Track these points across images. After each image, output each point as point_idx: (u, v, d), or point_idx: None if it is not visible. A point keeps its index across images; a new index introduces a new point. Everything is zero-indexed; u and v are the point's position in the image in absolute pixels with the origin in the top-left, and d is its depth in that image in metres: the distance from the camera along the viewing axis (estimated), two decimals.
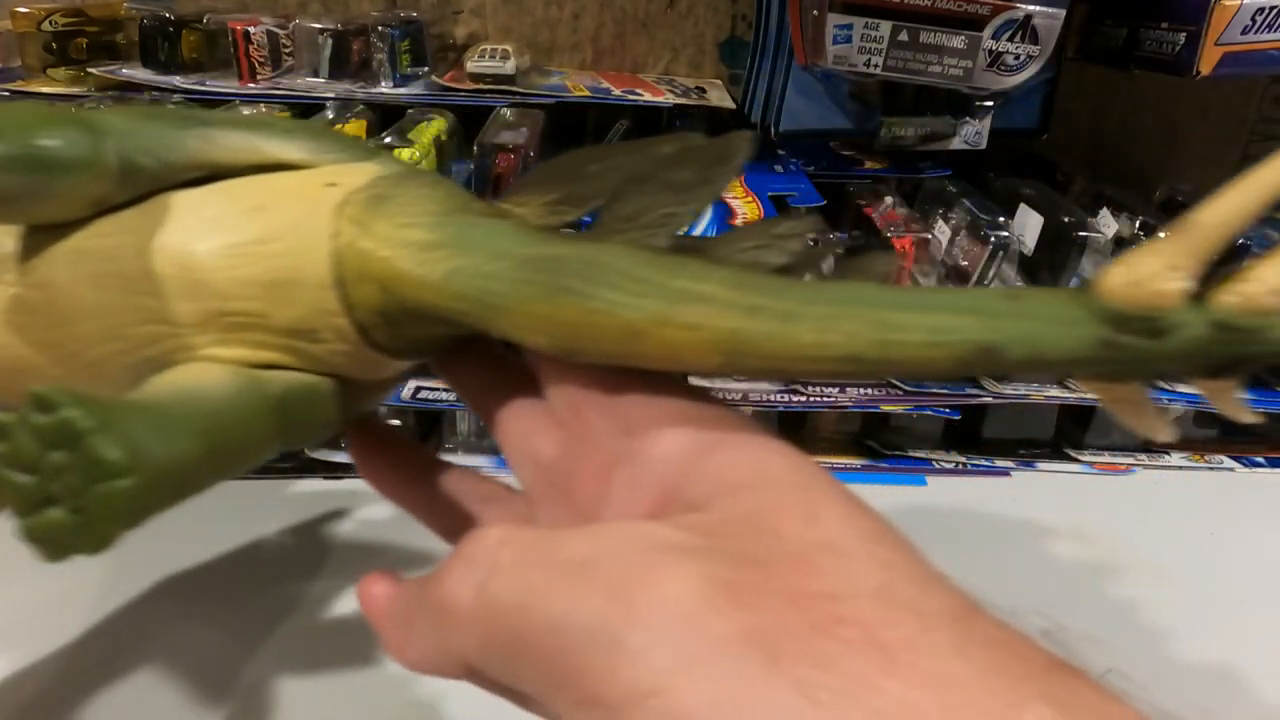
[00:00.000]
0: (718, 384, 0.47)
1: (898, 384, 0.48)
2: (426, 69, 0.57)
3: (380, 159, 0.24)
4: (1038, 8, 0.46)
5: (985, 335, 0.17)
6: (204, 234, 0.22)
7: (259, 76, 0.54)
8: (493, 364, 0.23)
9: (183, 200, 0.23)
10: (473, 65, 0.54)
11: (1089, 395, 0.49)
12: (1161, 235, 0.17)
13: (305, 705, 0.34)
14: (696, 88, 0.60)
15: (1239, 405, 0.19)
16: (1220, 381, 0.18)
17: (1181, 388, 0.50)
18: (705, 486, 0.17)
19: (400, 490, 0.25)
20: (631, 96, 0.55)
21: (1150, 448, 0.53)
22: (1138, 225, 0.48)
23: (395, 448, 0.26)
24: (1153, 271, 0.17)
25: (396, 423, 0.48)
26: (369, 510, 0.45)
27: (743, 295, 0.18)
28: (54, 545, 0.18)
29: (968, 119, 0.52)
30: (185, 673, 0.35)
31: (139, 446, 0.18)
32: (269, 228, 0.22)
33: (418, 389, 0.47)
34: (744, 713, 0.13)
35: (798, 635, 0.14)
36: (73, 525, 0.17)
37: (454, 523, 0.24)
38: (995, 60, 0.47)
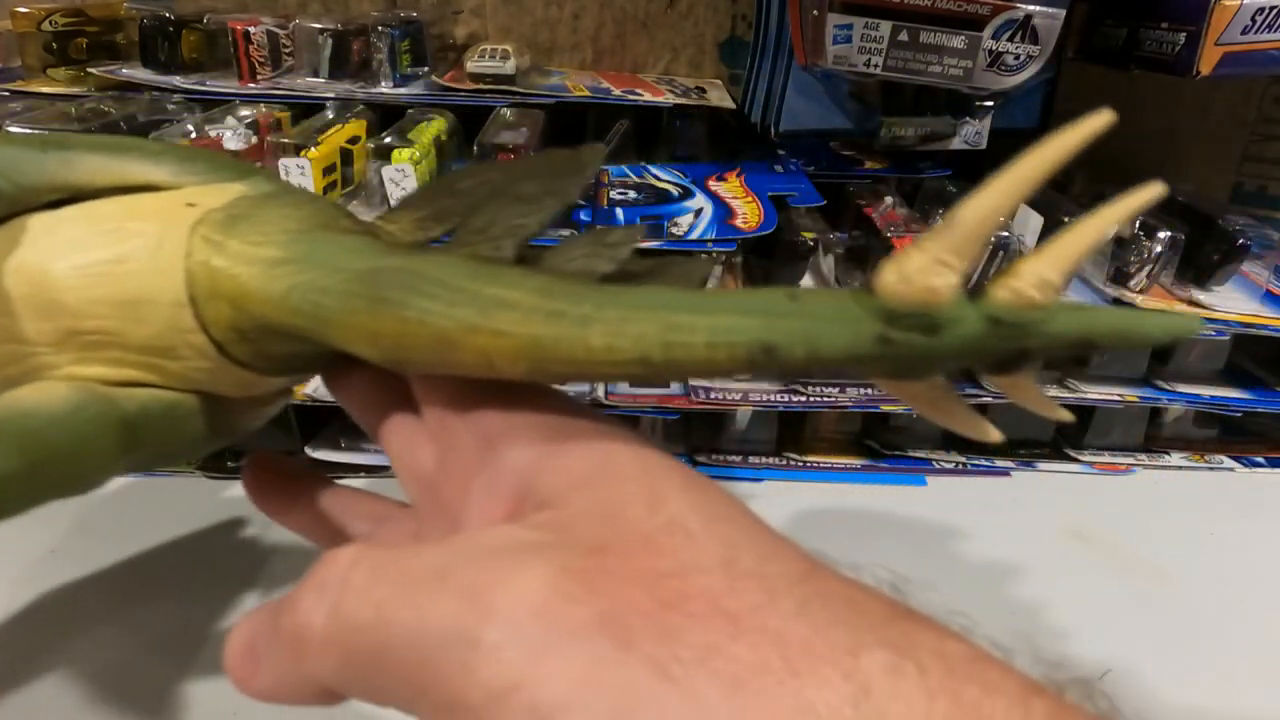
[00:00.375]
0: (719, 383, 0.47)
1: None
2: (426, 69, 0.57)
3: (253, 180, 0.25)
4: (1038, 8, 0.46)
5: (765, 335, 0.17)
6: (59, 254, 0.22)
7: (259, 76, 0.54)
8: (377, 380, 0.23)
9: (40, 222, 0.23)
10: (473, 65, 0.54)
11: (1089, 395, 0.49)
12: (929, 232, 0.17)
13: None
14: (696, 88, 0.60)
15: (1047, 403, 0.20)
16: (1011, 377, 0.18)
17: (1181, 387, 0.50)
18: (555, 484, 0.17)
19: (293, 515, 0.26)
20: (631, 96, 0.55)
21: (1150, 448, 0.53)
22: (1138, 225, 0.48)
23: (286, 474, 0.26)
24: (919, 267, 0.17)
25: None
26: None
27: (546, 301, 0.18)
28: None
29: (968, 119, 0.52)
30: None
31: None
32: (124, 247, 0.22)
33: None
34: (601, 695, 0.13)
35: (648, 614, 0.14)
36: None
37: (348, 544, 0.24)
38: (995, 60, 0.47)
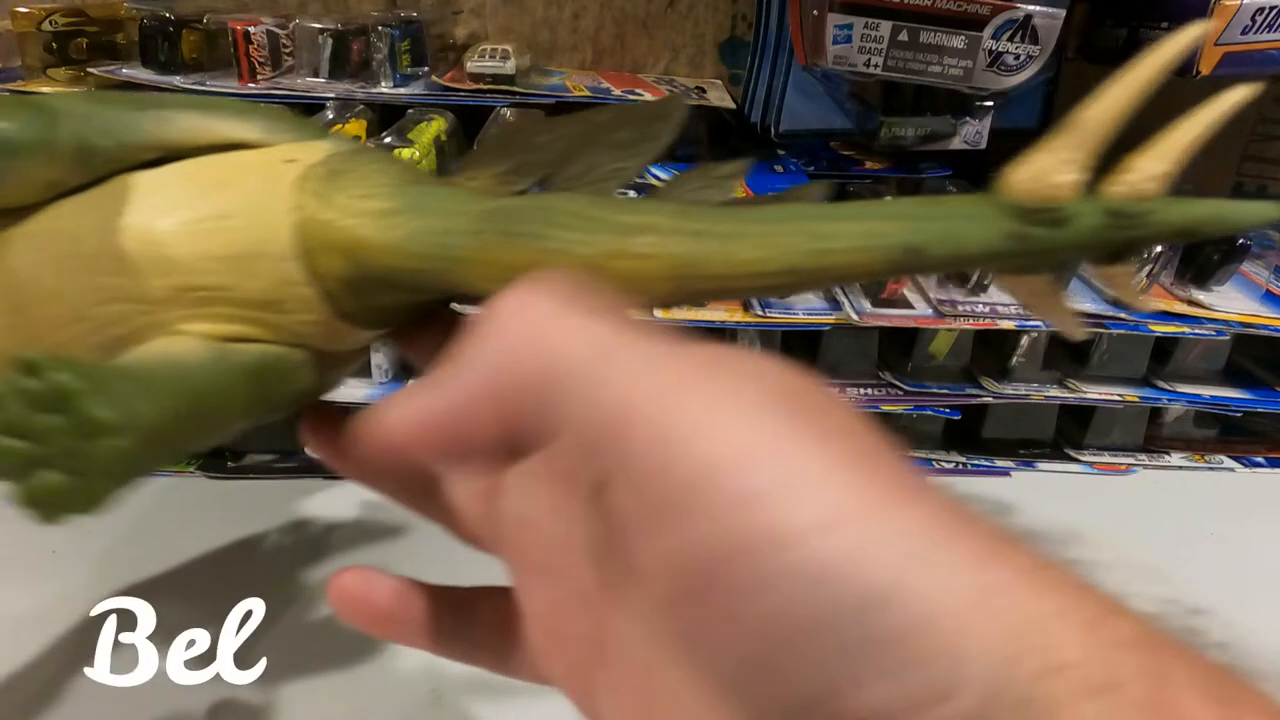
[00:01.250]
0: None
1: (898, 384, 0.48)
2: (426, 69, 0.57)
3: (332, 138, 0.25)
4: (1038, 8, 0.46)
5: (910, 236, 0.19)
6: (167, 211, 0.22)
7: (259, 76, 0.54)
8: (449, 331, 0.24)
9: (143, 180, 0.23)
10: (473, 65, 0.54)
11: (1089, 395, 0.49)
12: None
13: (301, 705, 0.34)
14: (696, 88, 0.60)
15: (1135, 292, 0.22)
16: (1119, 266, 0.20)
17: (1181, 387, 0.50)
18: None
19: (351, 463, 0.25)
20: (631, 97, 0.55)
21: (1150, 448, 0.53)
22: None
23: (342, 423, 0.26)
24: (1047, 167, 0.19)
25: None
26: (375, 511, 0.45)
27: (687, 222, 0.19)
28: (49, 507, 0.18)
29: (968, 119, 0.53)
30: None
31: (129, 406, 0.19)
32: (230, 203, 0.22)
33: None
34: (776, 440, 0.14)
35: (822, 414, 0.15)
36: (68, 486, 0.18)
37: (416, 487, 0.24)
38: (995, 60, 0.47)
